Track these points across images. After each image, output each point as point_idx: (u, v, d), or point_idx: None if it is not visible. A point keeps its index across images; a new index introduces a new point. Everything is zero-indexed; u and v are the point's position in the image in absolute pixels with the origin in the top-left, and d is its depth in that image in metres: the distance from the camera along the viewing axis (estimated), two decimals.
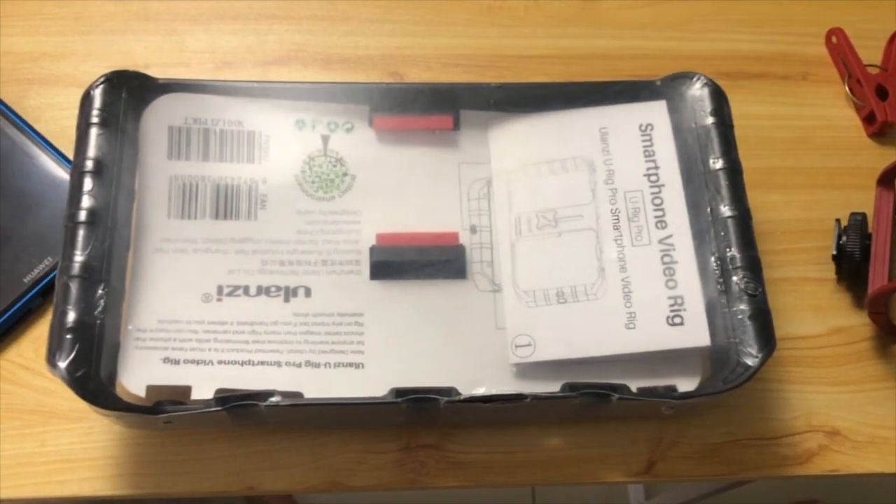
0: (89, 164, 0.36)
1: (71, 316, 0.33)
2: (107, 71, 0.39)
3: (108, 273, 0.35)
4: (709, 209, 0.38)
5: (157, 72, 0.40)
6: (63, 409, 0.39)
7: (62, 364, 0.32)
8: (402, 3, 0.49)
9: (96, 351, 0.33)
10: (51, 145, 0.43)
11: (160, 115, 0.39)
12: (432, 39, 0.48)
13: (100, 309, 0.34)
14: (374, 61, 0.47)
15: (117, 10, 0.48)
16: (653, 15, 0.50)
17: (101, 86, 0.38)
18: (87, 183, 0.36)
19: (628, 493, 0.89)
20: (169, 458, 0.38)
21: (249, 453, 0.38)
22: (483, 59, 0.48)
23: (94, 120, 0.37)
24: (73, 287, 0.34)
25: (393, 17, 0.49)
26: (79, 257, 0.34)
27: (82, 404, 0.38)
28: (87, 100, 0.37)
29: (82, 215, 0.35)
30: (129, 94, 0.38)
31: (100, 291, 0.34)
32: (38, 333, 0.40)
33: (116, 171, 0.37)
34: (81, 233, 0.35)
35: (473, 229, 0.40)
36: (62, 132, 0.44)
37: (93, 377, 0.33)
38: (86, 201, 0.35)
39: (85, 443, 0.38)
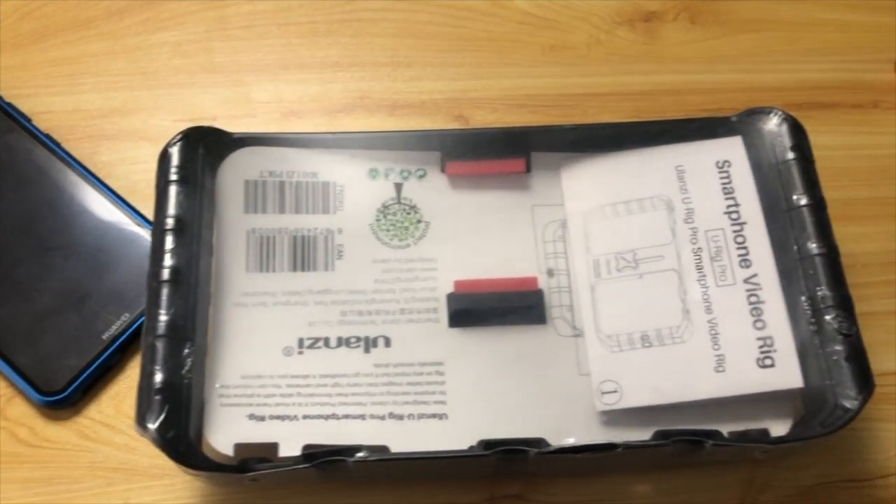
0: (170, 223, 0.36)
1: (159, 376, 0.33)
2: (175, 124, 0.40)
3: (193, 331, 0.35)
4: (795, 247, 0.37)
5: (224, 123, 0.41)
6: (145, 465, 0.38)
7: (152, 426, 0.32)
8: (464, 47, 0.49)
9: (185, 411, 0.33)
10: (124, 201, 0.43)
11: (236, 170, 0.39)
12: (496, 81, 0.48)
13: (187, 368, 0.34)
14: (438, 105, 0.47)
15: (183, 64, 0.48)
16: (717, 48, 0.49)
17: (179, 143, 0.38)
18: (169, 241, 0.36)
19: None
20: None
21: None
22: (548, 99, 0.48)
23: (173, 177, 0.37)
24: (160, 347, 0.34)
25: (455, 60, 0.49)
26: (164, 316, 0.34)
27: (164, 461, 0.38)
28: (165, 157, 0.38)
29: (165, 274, 0.35)
30: (205, 149, 0.38)
31: (186, 350, 0.34)
32: (117, 390, 0.40)
33: (197, 227, 0.37)
34: (165, 291, 0.35)
35: (550, 273, 0.39)
36: (133, 187, 0.44)
37: (183, 438, 0.33)
38: (168, 260, 0.35)
39: (168, 500, 0.38)
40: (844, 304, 0.36)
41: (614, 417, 0.36)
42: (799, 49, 0.49)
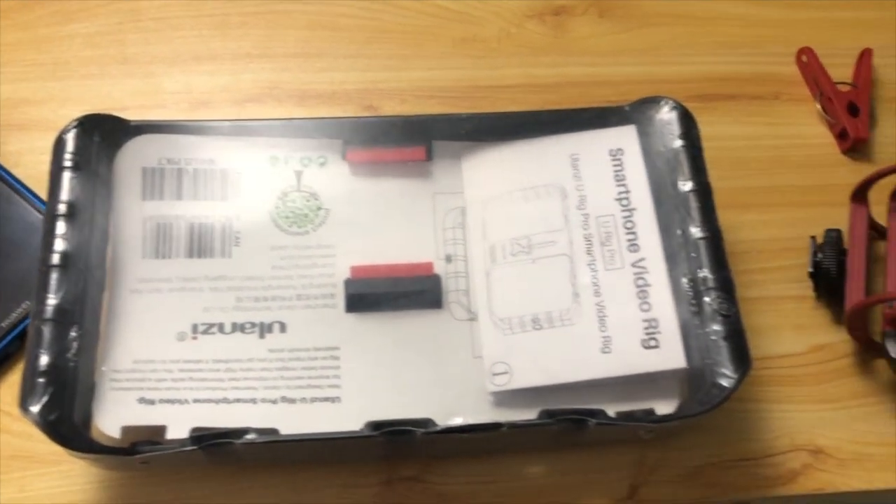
0: (62, 208, 0.36)
1: (43, 360, 0.33)
2: (84, 114, 0.40)
3: (82, 315, 0.35)
4: (679, 231, 0.38)
5: (134, 114, 0.41)
6: (41, 452, 0.38)
7: (35, 409, 0.33)
8: (376, 38, 0.50)
9: (70, 394, 0.34)
10: (28, 190, 0.43)
11: (133, 157, 0.39)
12: (407, 73, 0.49)
13: (73, 352, 0.34)
14: (349, 96, 0.48)
15: (95, 55, 0.48)
16: (624, 41, 0.50)
17: (74, 130, 0.38)
18: (60, 227, 0.36)
19: None
20: (148, 499, 0.37)
21: (229, 492, 0.38)
22: (458, 91, 0.48)
23: (67, 164, 0.37)
24: (46, 330, 0.34)
25: (367, 52, 0.49)
26: (52, 301, 0.35)
27: (60, 447, 0.39)
28: (59, 144, 0.38)
29: (55, 259, 0.35)
30: (101, 137, 0.39)
31: (73, 334, 0.34)
32: (16, 378, 0.39)
33: (90, 213, 0.37)
34: (54, 276, 0.35)
35: (448, 258, 0.40)
36: (41, 176, 0.43)
37: (66, 421, 0.33)
38: (58, 245, 0.36)
39: (63, 486, 0.38)
40: (725, 286, 0.37)
41: (505, 398, 0.37)
42: (704, 42, 0.51)
